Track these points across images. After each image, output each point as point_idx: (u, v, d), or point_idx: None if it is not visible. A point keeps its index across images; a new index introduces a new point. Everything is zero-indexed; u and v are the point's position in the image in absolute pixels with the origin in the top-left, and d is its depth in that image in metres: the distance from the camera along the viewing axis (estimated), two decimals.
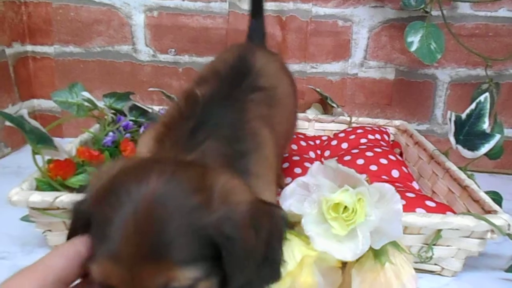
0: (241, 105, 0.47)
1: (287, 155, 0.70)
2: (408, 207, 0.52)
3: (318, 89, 0.89)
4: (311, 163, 0.63)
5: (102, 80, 0.94)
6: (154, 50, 0.92)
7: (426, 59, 0.75)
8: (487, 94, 0.63)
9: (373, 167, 0.64)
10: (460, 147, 0.63)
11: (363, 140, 0.75)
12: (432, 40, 0.76)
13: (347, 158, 0.68)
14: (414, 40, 0.76)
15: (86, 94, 0.71)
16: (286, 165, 0.67)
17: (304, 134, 0.83)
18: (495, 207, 0.52)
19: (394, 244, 0.46)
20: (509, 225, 0.49)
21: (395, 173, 0.65)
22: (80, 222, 0.31)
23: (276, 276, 0.33)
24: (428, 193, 0.66)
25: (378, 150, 0.69)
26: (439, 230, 0.50)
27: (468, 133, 0.63)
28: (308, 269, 0.41)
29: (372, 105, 0.92)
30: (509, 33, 0.83)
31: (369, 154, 0.67)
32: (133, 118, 0.73)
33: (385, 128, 0.83)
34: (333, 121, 0.87)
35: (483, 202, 0.54)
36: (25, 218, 0.58)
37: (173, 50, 0.92)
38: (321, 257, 0.43)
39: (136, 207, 0.28)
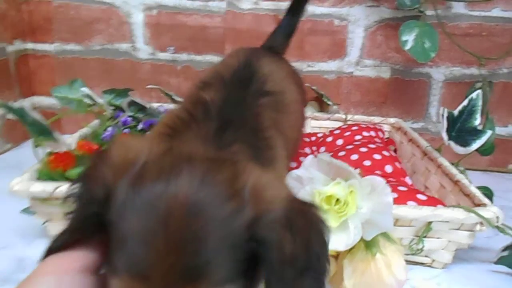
0: (255, 111, 0.46)
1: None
2: (400, 200, 0.54)
3: (314, 87, 0.90)
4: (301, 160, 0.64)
5: (102, 77, 0.95)
6: (153, 48, 0.94)
7: (420, 57, 0.76)
8: (479, 91, 0.65)
9: (367, 162, 0.66)
10: (452, 143, 0.64)
11: (357, 137, 0.76)
12: (426, 39, 0.78)
13: (342, 153, 0.69)
14: (408, 39, 0.77)
15: (85, 90, 0.72)
16: None
17: None
18: (485, 200, 0.54)
19: (385, 235, 0.48)
20: (497, 217, 0.51)
21: (388, 168, 0.66)
22: (92, 203, 0.27)
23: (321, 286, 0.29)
24: (421, 188, 0.67)
25: (372, 146, 0.70)
26: (430, 223, 0.51)
27: (460, 129, 0.64)
28: None
29: (367, 103, 0.93)
30: (503, 32, 0.85)
31: (363, 150, 0.68)
32: (131, 114, 0.74)
33: (380, 126, 0.84)
34: (328, 119, 0.88)
35: (473, 196, 0.55)
36: (25, 211, 0.60)
37: (172, 48, 0.93)
38: None
39: (166, 218, 0.24)
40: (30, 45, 0.96)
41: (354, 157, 0.67)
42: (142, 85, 0.94)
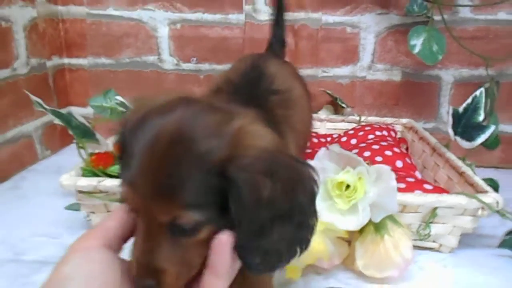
0: (266, 106, 0.49)
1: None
2: (407, 190, 0.60)
3: (329, 91, 0.97)
4: None
5: (131, 88, 1.04)
6: (178, 60, 1.03)
7: (428, 60, 0.82)
8: (482, 88, 0.70)
9: (378, 158, 0.72)
10: (458, 138, 0.70)
11: (370, 136, 0.82)
12: (434, 42, 0.84)
13: (355, 151, 0.75)
14: (417, 43, 0.84)
15: (119, 98, 0.81)
16: None
17: (316, 133, 0.91)
18: (487, 188, 0.59)
19: (392, 219, 0.54)
20: (497, 202, 0.56)
21: (399, 164, 0.72)
22: (120, 147, 0.34)
23: (304, 241, 0.33)
24: (431, 182, 0.73)
25: (384, 143, 0.76)
26: (435, 209, 0.57)
27: (465, 125, 0.70)
28: (319, 237, 0.49)
29: (380, 106, 0.99)
30: (509, 34, 0.90)
31: (375, 147, 0.75)
32: None
33: (392, 126, 0.90)
34: (343, 121, 0.95)
35: (476, 185, 0.61)
36: (68, 207, 0.69)
37: (195, 59, 1.02)
38: (329, 228, 0.51)
39: (154, 142, 0.30)
40: (66, 60, 1.06)
41: (367, 153, 0.73)
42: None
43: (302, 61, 0.97)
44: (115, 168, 0.66)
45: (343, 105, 0.95)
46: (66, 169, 0.92)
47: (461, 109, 0.71)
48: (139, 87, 1.04)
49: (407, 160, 0.74)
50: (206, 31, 1.00)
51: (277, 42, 0.78)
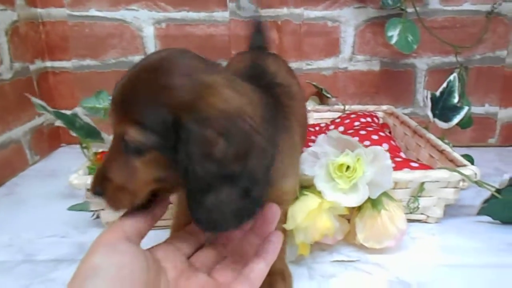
0: (271, 93, 0.50)
1: None
2: (397, 168, 0.67)
3: (314, 83, 1.03)
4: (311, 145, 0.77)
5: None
6: None
7: (404, 49, 0.91)
8: (455, 74, 0.79)
9: (367, 142, 0.79)
10: (436, 120, 0.78)
11: (356, 123, 0.90)
12: (409, 33, 0.92)
13: None
14: (394, 34, 0.92)
15: None
16: None
17: None
18: (465, 162, 0.67)
19: (387, 195, 0.61)
20: (475, 174, 0.64)
21: (385, 146, 0.79)
22: None
23: (249, 210, 0.36)
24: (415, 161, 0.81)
25: (370, 129, 0.84)
26: (422, 183, 0.64)
27: (442, 107, 0.78)
28: (327, 214, 0.55)
29: (362, 94, 1.07)
30: (473, 24, 0.99)
31: (362, 132, 0.82)
32: None
33: (375, 113, 0.98)
34: (329, 110, 1.02)
35: (456, 160, 0.69)
36: (71, 208, 0.72)
37: None
38: (332, 206, 0.57)
39: (134, 70, 0.37)
40: (49, 63, 1.07)
41: (355, 139, 0.80)
42: None
43: (287, 55, 1.03)
44: None
45: (328, 95, 1.02)
46: (59, 173, 0.95)
47: (438, 93, 0.79)
48: None
49: (392, 142, 0.82)
50: (192, 29, 1.03)
51: (257, 38, 0.79)
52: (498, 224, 0.69)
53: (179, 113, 0.34)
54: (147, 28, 1.04)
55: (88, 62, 1.07)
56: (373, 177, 0.57)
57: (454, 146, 0.81)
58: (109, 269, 0.33)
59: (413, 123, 0.87)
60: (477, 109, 1.03)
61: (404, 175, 0.64)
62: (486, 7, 0.98)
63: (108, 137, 0.71)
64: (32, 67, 1.01)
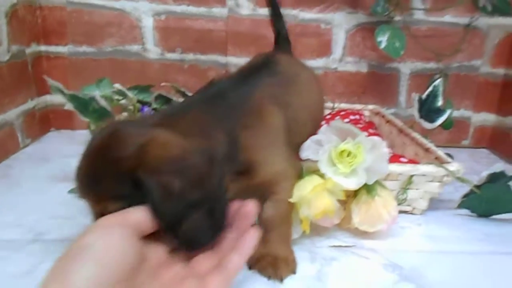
0: (253, 84, 0.54)
1: None
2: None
3: None
4: None
5: (114, 76, 1.00)
6: (162, 49, 1.05)
7: (392, 54, 0.93)
8: (440, 79, 0.82)
9: None
10: (422, 121, 0.81)
11: (346, 120, 0.92)
12: (396, 39, 0.95)
13: None
14: (383, 39, 0.94)
15: (117, 86, 0.82)
16: None
17: None
18: (449, 159, 0.70)
19: (380, 184, 0.62)
20: (459, 170, 0.67)
21: None
22: None
23: (218, 223, 0.41)
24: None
25: (359, 126, 0.86)
26: (411, 176, 0.67)
27: (427, 109, 0.81)
28: (328, 194, 0.56)
29: (349, 94, 1.09)
30: (453, 34, 1.03)
31: None
32: (156, 107, 0.85)
33: (362, 111, 1.01)
34: None
35: (440, 158, 0.71)
36: (72, 191, 0.69)
37: (180, 49, 1.05)
38: (331, 190, 0.58)
39: (85, 154, 0.41)
40: (43, 48, 1.03)
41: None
42: (152, 82, 1.04)
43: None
44: None
45: None
46: (52, 156, 0.92)
47: (424, 96, 0.82)
48: (122, 75, 1.04)
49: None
50: (190, 23, 1.03)
51: (283, 40, 0.81)
52: (475, 217, 0.72)
53: (135, 174, 0.38)
54: (146, 19, 1.02)
55: (84, 48, 1.04)
56: (371, 163, 0.58)
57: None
58: (98, 249, 0.34)
59: (399, 122, 0.89)
60: (453, 113, 1.08)
61: (396, 167, 0.66)
62: (464, 20, 1.02)
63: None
64: (28, 50, 0.98)
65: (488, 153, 1.09)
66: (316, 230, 0.62)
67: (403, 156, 0.74)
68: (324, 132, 0.60)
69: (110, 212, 0.38)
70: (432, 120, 0.81)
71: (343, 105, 1.03)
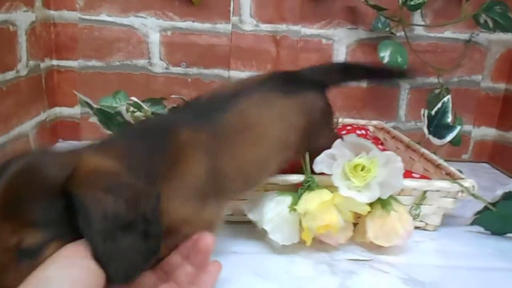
0: (185, 124, 0.43)
1: None
2: None
3: None
4: None
5: (120, 89, 0.95)
6: (167, 64, 0.96)
7: None
8: (449, 96, 0.73)
9: None
10: (431, 137, 0.72)
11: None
12: (398, 55, 0.86)
13: None
14: (385, 54, 0.85)
15: (134, 99, 0.72)
16: None
17: None
18: (462, 176, 0.61)
19: (395, 199, 0.54)
20: (473, 186, 0.58)
21: None
22: None
23: (152, 248, 0.34)
24: None
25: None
26: (425, 192, 0.58)
27: (436, 125, 0.72)
28: (333, 210, 0.49)
29: (350, 108, 1.00)
30: (453, 49, 0.95)
31: None
32: None
33: (366, 126, 0.91)
34: None
35: (453, 174, 0.63)
36: None
37: (184, 63, 0.96)
38: (340, 208, 0.50)
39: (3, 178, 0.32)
40: (55, 62, 0.95)
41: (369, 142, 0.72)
42: (156, 95, 0.94)
43: (283, 68, 0.95)
44: None
45: None
46: None
47: (433, 112, 0.72)
48: (129, 88, 0.95)
49: None
50: (195, 38, 0.95)
51: (340, 72, 0.70)
52: (488, 234, 0.63)
53: (66, 190, 0.31)
54: (153, 35, 0.94)
55: (93, 63, 0.95)
56: (385, 178, 0.51)
57: None
58: (61, 281, 0.28)
59: (405, 138, 0.81)
60: None
61: (410, 183, 0.57)
62: (465, 36, 0.95)
63: None
64: (42, 65, 0.91)
65: (489, 168, 1.00)
66: (322, 244, 0.54)
67: (415, 172, 0.65)
68: (338, 147, 0.50)
69: (27, 246, 0.30)
70: (441, 136, 0.71)
71: (347, 120, 0.94)
